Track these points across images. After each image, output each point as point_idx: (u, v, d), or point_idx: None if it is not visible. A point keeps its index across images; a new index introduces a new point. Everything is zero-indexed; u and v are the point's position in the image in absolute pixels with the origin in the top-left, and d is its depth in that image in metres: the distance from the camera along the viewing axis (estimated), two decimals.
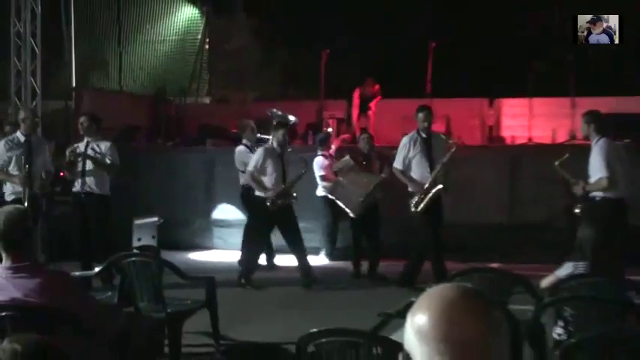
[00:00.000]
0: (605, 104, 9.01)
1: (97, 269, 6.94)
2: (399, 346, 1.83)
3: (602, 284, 5.50)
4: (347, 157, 10.40)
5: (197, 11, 17.92)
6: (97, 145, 9.22)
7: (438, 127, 12.65)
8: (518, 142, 13.00)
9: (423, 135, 9.28)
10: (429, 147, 9.23)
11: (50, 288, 4.13)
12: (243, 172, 10.54)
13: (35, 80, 12.33)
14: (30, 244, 4.22)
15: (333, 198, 10.27)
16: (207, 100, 18.06)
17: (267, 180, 9.56)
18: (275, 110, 11.74)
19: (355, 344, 3.98)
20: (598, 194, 8.12)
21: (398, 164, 9.35)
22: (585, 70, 12.77)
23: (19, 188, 8.93)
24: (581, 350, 4.33)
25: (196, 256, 11.77)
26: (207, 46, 18.07)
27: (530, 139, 12.76)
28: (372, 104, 12.69)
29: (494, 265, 9.14)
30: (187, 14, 17.92)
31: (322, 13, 15.71)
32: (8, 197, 9.00)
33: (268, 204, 9.51)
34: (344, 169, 10.25)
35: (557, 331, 5.18)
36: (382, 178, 9.94)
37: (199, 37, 17.91)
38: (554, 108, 12.89)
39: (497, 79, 13.86)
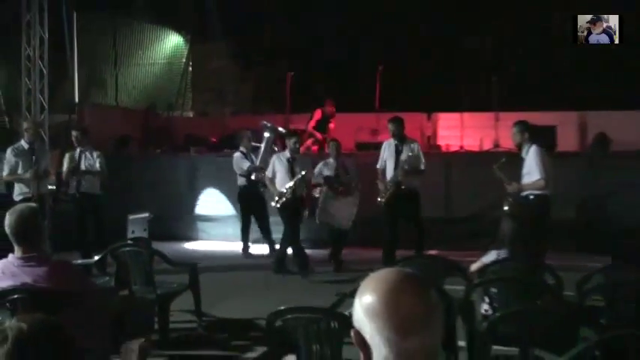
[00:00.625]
0: (523, 117, 9.06)
1: (96, 258, 6.85)
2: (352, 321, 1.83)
3: (522, 268, 5.55)
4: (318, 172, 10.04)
5: (182, 39, 17.86)
6: (90, 154, 9.35)
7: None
8: (452, 149, 13.08)
9: (395, 141, 9.38)
10: (398, 152, 9.29)
11: (55, 274, 4.10)
12: (241, 175, 10.57)
13: (43, 97, 12.20)
14: (39, 238, 4.17)
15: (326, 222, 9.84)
16: (190, 114, 17.95)
17: (278, 182, 9.43)
18: (266, 122, 11.63)
19: (316, 319, 3.99)
20: (533, 193, 7.97)
21: (378, 164, 9.57)
22: (507, 89, 12.76)
23: (26, 189, 8.90)
24: (504, 323, 4.37)
25: (182, 246, 11.69)
26: (190, 68, 17.98)
27: (461, 147, 12.85)
28: (332, 120, 12.67)
29: (433, 252, 9.19)
30: (174, 41, 17.85)
31: (288, 41, 15.72)
32: (17, 197, 8.93)
33: (272, 203, 9.47)
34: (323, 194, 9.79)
35: (484, 308, 5.21)
36: (358, 194, 9.73)
37: (184, 60, 17.84)
38: (481, 121, 12.98)
39: (434, 97, 13.95)
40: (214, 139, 14.06)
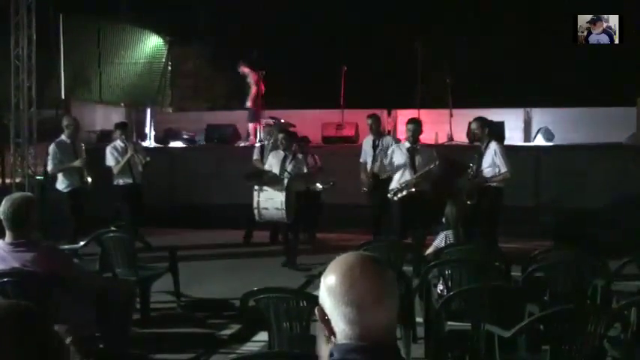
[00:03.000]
0: (474, 114, 9.12)
1: (81, 243, 6.76)
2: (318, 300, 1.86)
3: (474, 250, 5.60)
4: None
5: (162, 40, 17.67)
6: (137, 147, 9.40)
7: (349, 131, 12.76)
8: None
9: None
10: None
11: (44, 259, 4.04)
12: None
13: (31, 93, 11.97)
14: (30, 225, 4.09)
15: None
16: (169, 110, 17.78)
17: (397, 173, 8.30)
18: (275, 120, 11.27)
19: (286, 299, 3.98)
20: (492, 184, 7.79)
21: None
22: (459, 87, 12.80)
23: (71, 181, 8.74)
24: (456, 300, 4.41)
25: (161, 232, 11.56)
26: (169, 67, 17.80)
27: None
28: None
29: (393, 237, 9.21)
30: (154, 42, 17.65)
31: (260, 42, 15.63)
32: (65, 189, 8.78)
33: (389, 195, 8.19)
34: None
35: (440, 287, 5.26)
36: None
37: (163, 60, 17.62)
38: (436, 117, 13.03)
39: (394, 95, 13.98)
40: (192, 133, 13.98)
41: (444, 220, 5.93)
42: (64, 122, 9.11)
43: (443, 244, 5.74)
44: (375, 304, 1.75)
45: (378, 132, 9.38)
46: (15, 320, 1.67)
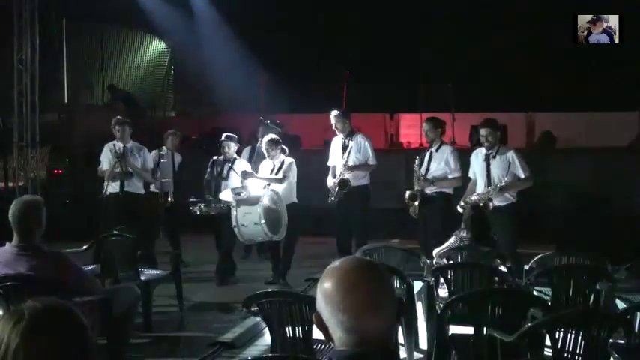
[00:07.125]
0: (475, 118, 9.12)
1: (84, 247, 6.75)
2: None
3: (476, 254, 5.60)
4: None
5: (164, 44, 17.72)
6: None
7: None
8: (413, 146, 13.14)
9: (342, 137, 8.09)
10: (345, 147, 8.20)
11: (49, 264, 4.04)
12: None
13: (34, 97, 11.99)
14: (37, 229, 4.08)
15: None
16: (172, 113, 17.80)
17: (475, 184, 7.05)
18: (267, 120, 10.60)
19: (288, 302, 3.98)
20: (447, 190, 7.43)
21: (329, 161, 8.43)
22: (461, 91, 12.77)
23: (117, 187, 8.13)
24: (458, 303, 4.40)
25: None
26: (172, 71, 17.84)
27: (421, 145, 12.90)
28: None
29: (395, 240, 9.22)
30: (157, 46, 17.71)
31: (263, 46, 15.66)
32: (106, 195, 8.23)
33: (459, 208, 6.88)
34: None
35: (442, 289, 5.25)
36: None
37: (166, 64, 17.69)
38: None
39: (396, 99, 13.96)
40: (194, 137, 14.00)
41: (466, 224, 5.88)
42: (113, 124, 8.47)
43: (455, 245, 5.73)
44: (373, 310, 1.73)
45: (345, 130, 8.02)
46: (58, 315, 1.64)
